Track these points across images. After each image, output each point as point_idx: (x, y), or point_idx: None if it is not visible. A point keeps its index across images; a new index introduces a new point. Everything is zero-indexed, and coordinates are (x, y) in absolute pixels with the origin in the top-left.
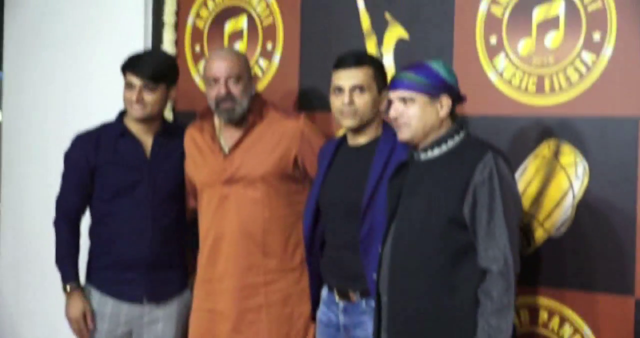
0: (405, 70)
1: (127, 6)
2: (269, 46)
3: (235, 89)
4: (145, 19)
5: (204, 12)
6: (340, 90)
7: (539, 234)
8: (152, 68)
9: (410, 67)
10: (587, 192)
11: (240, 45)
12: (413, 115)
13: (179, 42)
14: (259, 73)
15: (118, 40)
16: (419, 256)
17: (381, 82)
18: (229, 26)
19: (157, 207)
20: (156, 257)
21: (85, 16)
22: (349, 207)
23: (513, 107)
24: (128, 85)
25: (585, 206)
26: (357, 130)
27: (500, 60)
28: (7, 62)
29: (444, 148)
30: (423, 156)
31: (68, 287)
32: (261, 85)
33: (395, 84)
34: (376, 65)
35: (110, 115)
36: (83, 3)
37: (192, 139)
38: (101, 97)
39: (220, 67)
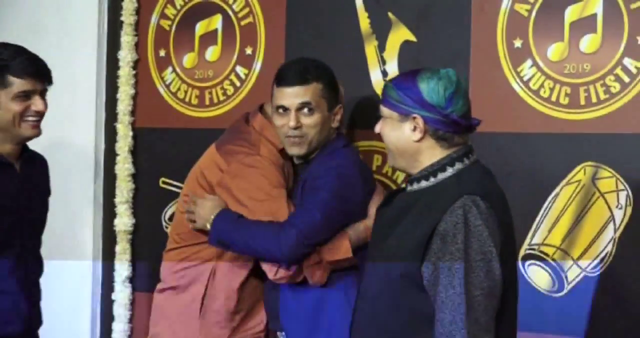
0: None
1: (77, 3)
2: (249, 51)
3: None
4: (99, 17)
5: (170, 11)
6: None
7: (573, 273)
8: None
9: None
10: (631, 223)
11: (214, 50)
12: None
13: (140, 46)
14: (237, 82)
15: (67, 43)
16: (375, 316)
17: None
18: (200, 27)
19: (37, 257)
20: (37, 319)
21: (28, 15)
22: None
23: (541, 122)
24: (24, 95)
25: (628, 240)
26: None
27: (527, 68)
28: None
29: (432, 181)
30: (409, 187)
31: None
32: (239, 97)
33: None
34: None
35: (54, 128)
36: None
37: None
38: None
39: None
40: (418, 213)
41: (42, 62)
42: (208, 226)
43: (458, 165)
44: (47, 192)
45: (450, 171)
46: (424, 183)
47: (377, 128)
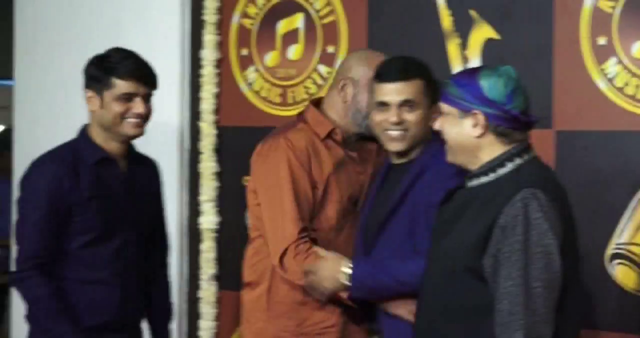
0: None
1: (160, 2)
2: (331, 49)
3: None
4: (182, 17)
5: (251, 10)
6: None
7: None
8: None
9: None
10: None
11: (296, 49)
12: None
13: (222, 45)
14: (319, 81)
15: (149, 43)
16: (439, 308)
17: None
18: (282, 26)
19: (142, 251)
20: (139, 315)
21: (111, 15)
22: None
23: (627, 120)
24: (126, 97)
25: None
26: None
27: (611, 65)
28: (19, 66)
29: (492, 176)
30: (469, 183)
31: None
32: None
33: None
34: None
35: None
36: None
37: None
38: None
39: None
40: (478, 207)
41: (148, 67)
42: (343, 281)
43: (517, 161)
44: (154, 192)
45: (509, 166)
46: (483, 179)
47: (437, 124)
